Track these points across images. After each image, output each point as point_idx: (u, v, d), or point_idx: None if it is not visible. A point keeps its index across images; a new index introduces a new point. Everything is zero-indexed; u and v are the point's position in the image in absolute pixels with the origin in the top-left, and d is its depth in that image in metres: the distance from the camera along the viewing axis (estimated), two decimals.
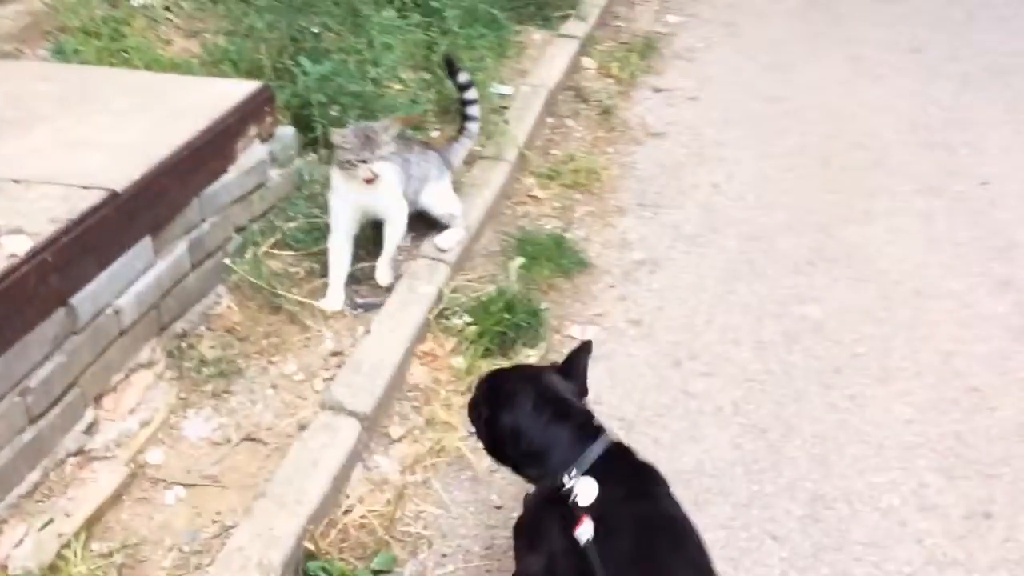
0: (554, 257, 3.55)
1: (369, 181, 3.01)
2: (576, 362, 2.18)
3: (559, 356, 3.06)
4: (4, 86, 3.18)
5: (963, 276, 3.67)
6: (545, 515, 1.98)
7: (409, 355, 2.98)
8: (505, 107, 4.41)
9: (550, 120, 4.68)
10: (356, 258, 3.24)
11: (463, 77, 3.59)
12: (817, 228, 3.98)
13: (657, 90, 5.23)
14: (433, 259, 3.35)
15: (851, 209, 4.13)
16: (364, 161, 2.99)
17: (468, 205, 3.57)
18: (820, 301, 3.50)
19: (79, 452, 2.47)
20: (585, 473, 1.92)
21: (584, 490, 1.88)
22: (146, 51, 3.86)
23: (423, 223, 3.51)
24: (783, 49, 5.98)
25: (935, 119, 5.00)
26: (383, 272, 3.23)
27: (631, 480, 1.98)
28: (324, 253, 3.25)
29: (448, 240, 3.40)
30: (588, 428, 2.04)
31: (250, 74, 3.75)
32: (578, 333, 3.25)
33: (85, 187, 2.56)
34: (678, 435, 2.85)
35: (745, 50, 5.89)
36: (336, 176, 3.13)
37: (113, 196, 2.55)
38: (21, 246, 2.28)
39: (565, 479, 1.92)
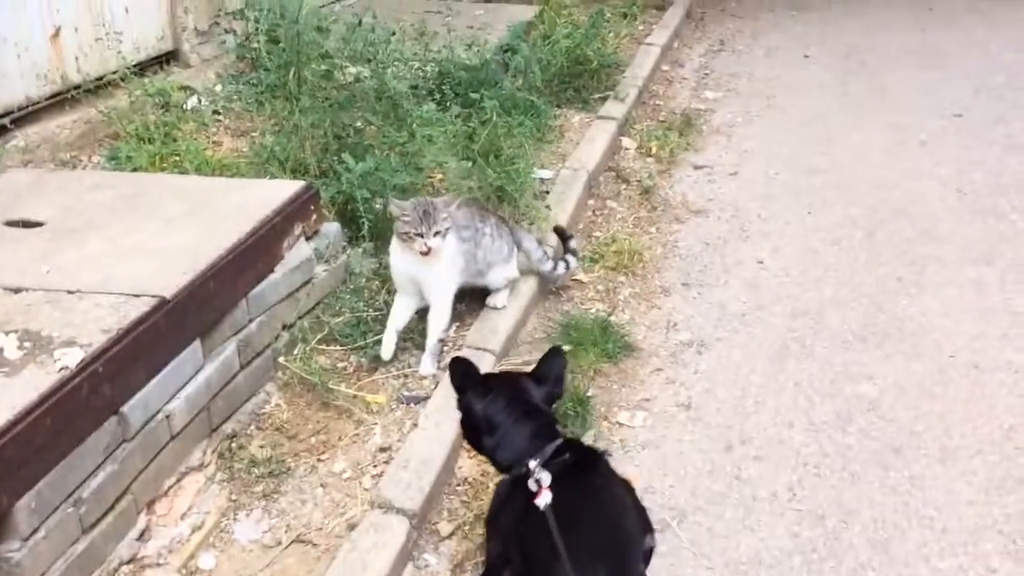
0: (599, 342, 3.53)
1: (424, 254, 3.11)
2: (548, 368, 2.45)
3: (607, 444, 3.08)
4: (61, 197, 3.29)
5: (1022, 347, 3.58)
6: (506, 503, 2.27)
7: (457, 448, 2.97)
8: (546, 191, 4.46)
9: (591, 202, 4.71)
10: (402, 349, 3.28)
11: (573, 243, 3.92)
12: (866, 302, 3.92)
13: (697, 167, 5.25)
14: (478, 348, 3.35)
15: (900, 281, 4.08)
16: (421, 235, 3.08)
17: (512, 292, 3.61)
18: (874, 378, 3.43)
19: (132, 560, 2.48)
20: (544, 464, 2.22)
21: (545, 475, 2.17)
22: (196, 153, 3.98)
23: (468, 310, 3.54)
24: (823, 121, 5.99)
25: (981, 184, 4.95)
26: (425, 363, 3.26)
27: (575, 464, 2.26)
28: (370, 347, 3.29)
29: (501, 298, 3.55)
30: (548, 428, 2.34)
31: (296, 172, 3.85)
32: (626, 419, 3.22)
33: (136, 295, 2.62)
34: (732, 524, 2.78)
35: (784, 123, 5.90)
36: (394, 244, 3.26)
37: (163, 303, 2.61)
38: (73, 358, 2.33)
39: (531, 464, 2.19)
